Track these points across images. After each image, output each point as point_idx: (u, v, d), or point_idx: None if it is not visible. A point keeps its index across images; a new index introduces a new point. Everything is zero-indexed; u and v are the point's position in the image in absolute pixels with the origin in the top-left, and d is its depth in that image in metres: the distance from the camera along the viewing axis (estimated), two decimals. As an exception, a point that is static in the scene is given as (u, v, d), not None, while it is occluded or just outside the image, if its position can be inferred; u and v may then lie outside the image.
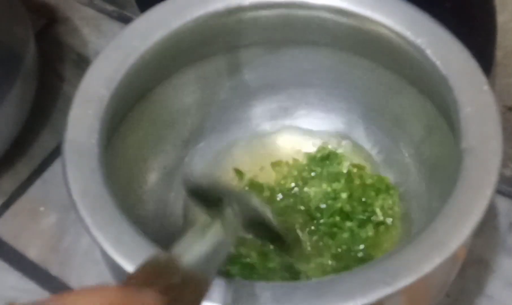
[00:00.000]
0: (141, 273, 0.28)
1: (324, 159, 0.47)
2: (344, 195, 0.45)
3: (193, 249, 0.30)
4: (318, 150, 0.48)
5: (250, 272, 0.42)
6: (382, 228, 0.44)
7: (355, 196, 0.45)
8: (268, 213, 0.37)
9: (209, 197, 0.36)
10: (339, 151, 0.48)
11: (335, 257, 0.43)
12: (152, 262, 0.28)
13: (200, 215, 0.43)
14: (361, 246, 0.43)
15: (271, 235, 0.38)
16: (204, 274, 0.30)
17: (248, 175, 0.47)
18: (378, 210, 0.45)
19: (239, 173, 0.48)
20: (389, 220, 0.45)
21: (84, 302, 0.24)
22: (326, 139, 0.48)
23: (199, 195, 0.38)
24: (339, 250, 0.43)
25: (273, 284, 0.33)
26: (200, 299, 0.29)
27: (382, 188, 0.46)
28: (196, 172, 0.47)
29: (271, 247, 0.42)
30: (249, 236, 0.41)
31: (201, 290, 0.29)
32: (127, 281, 0.27)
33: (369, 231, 0.44)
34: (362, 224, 0.44)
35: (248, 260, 0.43)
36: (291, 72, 0.48)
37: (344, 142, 0.48)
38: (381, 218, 0.45)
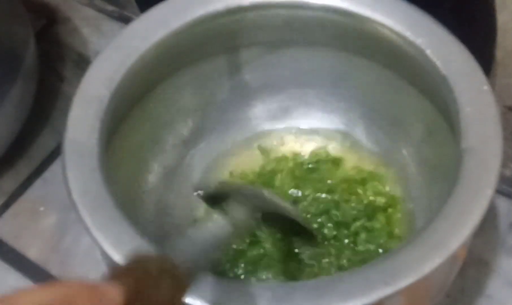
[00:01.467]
0: (117, 268, 0.27)
1: (313, 170, 0.47)
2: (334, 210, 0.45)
3: (179, 244, 0.31)
4: (312, 156, 0.48)
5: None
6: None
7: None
8: (286, 204, 0.37)
9: (222, 200, 0.36)
10: (337, 153, 0.48)
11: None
12: (132, 257, 0.28)
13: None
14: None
15: (291, 227, 0.39)
16: (189, 268, 0.29)
17: (250, 176, 0.48)
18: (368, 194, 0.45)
19: (264, 151, 0.48)
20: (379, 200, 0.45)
21: (34, 300, 0.23)
22: (326, 139, 0.48)
23: (215, 200, 0.39)
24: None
25: (273, 284, 0.33)
26: (179, 292, 0.28)
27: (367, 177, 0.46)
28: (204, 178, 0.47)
29: (293, 239, 0.42)
30: (269, 229, 0.42)
31: (181, 283, 0.28)
32: (110, 277, 0.27)
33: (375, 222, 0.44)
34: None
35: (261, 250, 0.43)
36: (291, 72, 0.48)
37: (344, 142, 0.48)
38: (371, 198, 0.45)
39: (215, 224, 0.33)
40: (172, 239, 0.31)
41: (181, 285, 0.29)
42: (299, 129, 0.49)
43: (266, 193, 0.37)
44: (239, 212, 0.35)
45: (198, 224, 0.32)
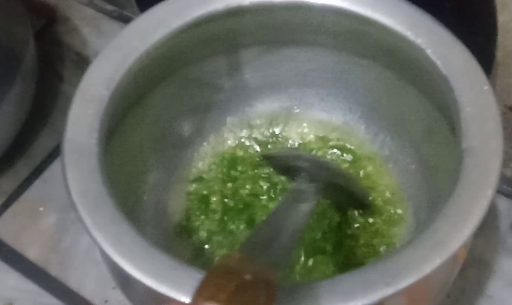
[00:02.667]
0: (212, 278, 0.27)
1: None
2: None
3: (261, 241, 0.30)
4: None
5: None
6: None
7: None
8: (347, 174, 0.37)
9: (289, 167, 0.36)
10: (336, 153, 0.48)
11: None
12: (221, 265, 0.28)
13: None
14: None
15: (349, 197, 0.40)
16: (273, 267, 0.29)
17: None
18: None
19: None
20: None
21: None
22: (325, 139, 0.48)
23: (276, 164, 0.41)
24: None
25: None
26: (273, 294, 0.28)
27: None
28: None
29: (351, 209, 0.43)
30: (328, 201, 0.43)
31: (272, 285, 0.28)
32: (196, 294, 0.26)
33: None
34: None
35: None
36: (291, 72, 0.48)
37: (343, 142, 0.48)
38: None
39: (289, 209, 0.33)
40: (254, 229, 0.31)
41: (272, 288, 0.28)
42: (299, 129, 0.49)
43: (331, 163, 0.38)
44: (305, 180, 0.35)
45: (272, 212, 0.32)
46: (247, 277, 0.26)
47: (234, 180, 0.48)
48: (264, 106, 0.49)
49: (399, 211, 0.45)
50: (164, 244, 0.44)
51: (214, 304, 0.24)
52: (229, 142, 0.49)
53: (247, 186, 0.47)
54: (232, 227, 0.45)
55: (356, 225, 0.44)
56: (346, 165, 0.47)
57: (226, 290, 0.25)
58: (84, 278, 0.48)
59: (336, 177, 0.37)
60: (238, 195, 0.47)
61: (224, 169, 0.48)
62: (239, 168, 0.48)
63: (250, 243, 0.30)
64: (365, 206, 0.43)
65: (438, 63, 0.39)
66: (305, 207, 0.34)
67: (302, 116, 0.49)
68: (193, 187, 0.47)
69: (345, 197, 0.41)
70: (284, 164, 0.37)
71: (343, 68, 0.47)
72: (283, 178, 0.46)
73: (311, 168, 0.36)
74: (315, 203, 0.36)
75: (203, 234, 0.45)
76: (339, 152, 0.48)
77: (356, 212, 0.44)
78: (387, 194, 0.46)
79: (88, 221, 0.35)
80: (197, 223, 0.46)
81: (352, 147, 0.48)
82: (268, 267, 0.28)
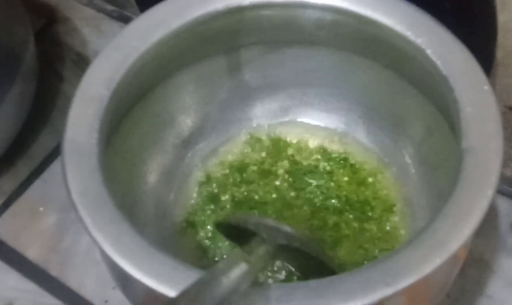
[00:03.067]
0: None
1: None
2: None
3: (206, 293, 0.30)
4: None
5: None
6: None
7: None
8: (303, 238, 0.37)
9: (239, 232, 0.36)
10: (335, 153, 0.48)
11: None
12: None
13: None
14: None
15: (306, 261, 0.38)
16: None
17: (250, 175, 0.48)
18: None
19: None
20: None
21: None
22: (325, 139, 0.48)
23: (229, 232, 0.39)
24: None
25: (273, 284, 0.33)
26: None
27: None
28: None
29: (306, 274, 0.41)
30: (281, 263, 0.42)
31: None
32: None
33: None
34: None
35: None
36: (291, 72, 0.48)
37: (343, 142, 0.48)
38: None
39: (235, 267, 0.32)
40: (191, 284, 0.31)
41: None
42: (299, 129, 0.49)
43: (288, 227, 0.36)
44: (257, 247, 0.34)
45: (216, 268, 0.32)
46: None
47: (234, 180, 0.47)
48: (264, 106, 0.49)
49: (396, 218, 0.45)
50: (164, 244, 0.44)
51: None
52: (229, 142, 0.49)
53: (248, 186, 0.47)
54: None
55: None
56: (345, 166, 0.47)
57: None
58: (84, 278, 0.48)
59: (294, 241, 0.37)
60: (239, 195, 0.47)
61: (224, 169, 0.48)
62: (239, 168, 0.48)
63: (191, 290, 0.31)
64: (329, 271, 0.39)
65: (438, 63, 0.39)
66: (254, 264, 0.33)
67: (302, 116, 0.49)
68: (193, 187, 0.47)
69: (307, 262, 0.39)
70: (237, 230, 0.37)
71: (343, 68, 0.47)
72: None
73: (267, 232, 0.35)
74: (265, 261, 0.35)
75: (204, 233, 0.45)
76: (338, 153, 0.48)
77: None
78: (385, 197, 0.46)
79: (88, 221, 0.35)
80: (198, 223, 0.46)
81: (352, 148, 0.48)
82: None
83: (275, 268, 0.43)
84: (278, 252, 0.35)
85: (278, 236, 0.35)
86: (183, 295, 0.31)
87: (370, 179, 0.47)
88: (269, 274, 0.43)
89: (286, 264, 0.42)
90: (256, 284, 0.33)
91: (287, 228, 0.36)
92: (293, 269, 0.42)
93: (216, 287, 0.31)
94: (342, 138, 0.48)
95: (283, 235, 0.36)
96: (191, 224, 0.46)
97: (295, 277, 0.43)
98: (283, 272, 0.43)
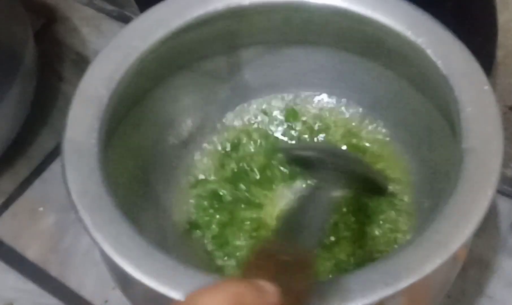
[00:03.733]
0: (255, 262, 0.29)
1: None
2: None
3: (291, 226, 0.33)
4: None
5: None
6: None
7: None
8: (363, 162, 0.41)
9: (308, 162, 0.37)
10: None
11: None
12: (262, 248, 0.30)
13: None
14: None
15: (367, 184, 0.42)
16: (309, 247, 0.31)
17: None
18: None
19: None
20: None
21: (215, 302, 0.25)
22: (325, 139, 0.48)
23: (300, 162, 0.42)
24: None
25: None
26: (311, 274, 0.30)
27: None
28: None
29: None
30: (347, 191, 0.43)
31: (308, 265, 0.30)
32: (244, 273, 0.28)
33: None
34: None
35: None
36: (291, 72, 0.48)
37: (343, 142, 0.48)
38: None
39: (315, 192, 0.34)
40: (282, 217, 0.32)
41: (308, 267, 0.30)
42: (298, 129, 0.49)
43: (347, 152, 0.40)
44: (324, 172, 0.36)
45: (298, 198, 0.33)
46: (285, 258, 0.29)
47: (234, 179, 0.47)
48: (264, 106, 0.49)
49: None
50: (164, 245, 0.44)
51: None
52: (229, 142, 0.49)
53: (248, 186, 0.47)
54: (235, 226, 0.45)
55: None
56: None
57: (269, 271, 0.27)
58: (84, 278, 0.48)
59: (354, 165, 0.39)
60: (240, 194, 0.47)
61: (225, 169, 0.48)
62: (239, 168, 0.48)
63: (283, 229, 0.33)
64: (382, 190, 0.44)
65: (439, 63, 0.39)
66: (329, 194, 0.36)
67: (302, 115, 0.49)
68: (193, 187, 0.47)
69: (364, 183, 0.43)
70: (300, 156, 0.39)
71: (343, 68, 0.46)
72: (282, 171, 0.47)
73: (329, 159, 0.37)
74: (337, 191, 0.38)
75: (205, 233, 0.45)
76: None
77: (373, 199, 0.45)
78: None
79: (88, 221, 0.35)
80: (198, 223, 0.46)
81: (352, 148, 0.48)
82: (302, 249, 0.31)
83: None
84: (344, 177, 0.38)
85: (339, 161, 0.37)
86: (280, 232, 0.33)
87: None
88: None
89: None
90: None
91: (347, 154, 0.40)
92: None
93: (304, 219, 0.33)
94: (341, 138, 0.48)
95: (343, 159, 0.39)
96: (191, 225, 0.46)
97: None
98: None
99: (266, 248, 0.30)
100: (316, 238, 0.33)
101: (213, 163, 0.48)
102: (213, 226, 0.45)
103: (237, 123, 0.49)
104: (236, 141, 0.48)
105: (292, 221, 0.34)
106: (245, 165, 0.48)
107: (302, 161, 0.40)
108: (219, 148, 0.49)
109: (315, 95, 0.49)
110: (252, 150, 0.48)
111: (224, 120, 0.49)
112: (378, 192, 0.44)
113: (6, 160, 0.53)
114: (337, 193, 0.38)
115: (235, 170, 0.48)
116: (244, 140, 0.48)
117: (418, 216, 0.44)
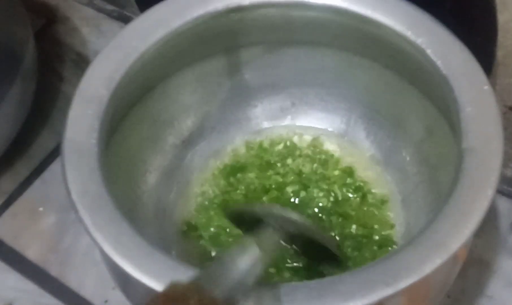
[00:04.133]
0: (161, 298, 0.28)
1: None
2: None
3: (219, 277, 0.30)
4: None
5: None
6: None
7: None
8: (311, 226, 0.37)
9: (247, 220, 0.36)
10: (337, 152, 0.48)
11: None
12: (173, 286, 0.29)
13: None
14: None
15: (314, 248, 0.39)
16: (230, 301, 0.30)
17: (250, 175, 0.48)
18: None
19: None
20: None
21: None
22: (326, 138, 0.48)
23: (239, 220, 0.40)
24: None
25: (273, 284, 0.33)
26: None
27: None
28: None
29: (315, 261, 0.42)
30: (291, 250, 0.42)
31: None
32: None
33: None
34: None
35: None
36: (291, 72, 0.48)
37: (344, 141, 0.48)
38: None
39: (248, 252, 0.32)
40: (206, 266, 0.31)
41: None
42: (299, 129, 0.49)
43: (295, 215, 0.37)
44: (268, 234, 0.35)
45: (229, 252, 0.32)
46: (192, 303, 0.28)
47: (234, 179, 0.47)
48: (264, 106, 0.49)
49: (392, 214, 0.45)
50: (164, 245, 0.44)
51: None
52: (229, 141, 0.49)
53: (248, 186, 0.47)
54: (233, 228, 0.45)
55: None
56: (345, 167, 0.47)
57: None
58: (84, 278, 0.48)
59: (302, 230, 0.37)
60: (240, 193, 0.47)
61: (224, 169, 0.48)
62: (239, 168, 0.48)
63: (204, 274, 0.31)
64: (333, 256, 0.41)
65: (438, 63, 0.39)
66: (266, 251, 0.33)
67: (302, 115, 0.49)
68: (193, 187, 0.47)
69: (312, 247, 0.40)
70: (245, 217, 0.38)
71: (343, 68, 0.46)
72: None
73: (275, 221, 0.36)
74: (276, 248, 0.36)
75: (205, 234, 0.45)
76: (338, 153, 0.48)
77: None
78: (383, 197, 0.46)
79: (88, 221, 0.35)
80: (198, 224, 0.46)
81: (351, 148, 0.48)
82: (219, 301, 0.29)
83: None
84: (287, 239, 0.36)
85: (286, 224, 0.36)
86: (199, 277, 0.30)
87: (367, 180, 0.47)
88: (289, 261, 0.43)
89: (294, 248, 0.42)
90: (256, 283, 0.33)
91: (295, 216, 0.36)
92: (300, 254, 0.42)
93: (231, 269, 0.31)
94: (341, 138, 0.48)
95: (291, 223, 0.36)
96: (191, 225, 0.46)
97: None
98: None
99: (174, 290, 0.29)
100: (239, 293, 0.31)
101: (213, 163, 0.48)
102: (211, 228, 0.45)
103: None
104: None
105: (217, 270, 0.31)
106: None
107: (246, 222, 0.39)
108: (219, 148, 0.49)
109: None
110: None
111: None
112: (330, 257, 0.41)
113: (6, 160, 0.53)
114: (276, 251, 0.36)
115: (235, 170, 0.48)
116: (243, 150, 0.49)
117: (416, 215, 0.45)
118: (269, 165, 0.48)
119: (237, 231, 0.45)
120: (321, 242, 0.39)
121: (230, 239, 0.45)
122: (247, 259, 0.32)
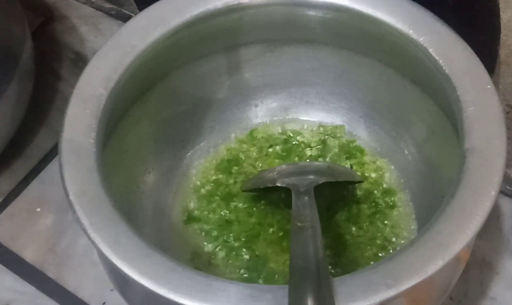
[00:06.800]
0: None
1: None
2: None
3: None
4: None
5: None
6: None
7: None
8: (331, 166, 0.42)
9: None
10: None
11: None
12: None
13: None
14: None
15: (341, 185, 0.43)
16: None
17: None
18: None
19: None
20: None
21: None
22: (325, 139, 0.48)
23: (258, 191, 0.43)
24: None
25: (274, 286, 0.33)
26: None
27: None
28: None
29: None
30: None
31: None
32: None
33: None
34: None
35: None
36: (292, 71, 0.48)
37: (343, 142, 0.48)
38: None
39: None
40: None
41: None
42: (299, 128, 0.49)
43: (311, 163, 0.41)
44: (302, 203, 0.37)
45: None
46: None
47: (234, 179, 0.47)
48: (264, 105, 0.49)
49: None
50: (163, 245, 0.43)
51: None
52: (228, 141, 0.49)
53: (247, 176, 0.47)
54: (234, 225, 0.45)
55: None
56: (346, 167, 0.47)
57: None
58: (81, 280, 0.48)
59: (323, 174, 0.39)
60: (239, 193, 0.46)
61: (224, 169, 0.48)
62: (240, 168, 0.48)
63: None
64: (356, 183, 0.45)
65: (441, 61, 0.39)
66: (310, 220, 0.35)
67: (303, 115, 0.49)
68: (192, 187, 0.47)
69: (337, 186, 0.43)
70: (267, 187, 0.39)
71: (344, 67, 0.46)
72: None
73: (296, 177, 0.38)
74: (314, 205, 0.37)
75: (204, 234, 0.45)
76: (338, 153, 0.48)
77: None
78: (387, 196, 0.46)
79: (85, 222, 0.34)
80: (197, 224, 0.45)
81: (352, 148, 0.48)
82: None
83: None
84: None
85: (304, 179, 0.38)
86: None
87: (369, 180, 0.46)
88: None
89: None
90: (257, 285, 0.32)
91: (313, 165, 0.41)
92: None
93: None
94: (342, 138, 0.48)
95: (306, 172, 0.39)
96: (190, 225, 0.45)
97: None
98: None
99: None
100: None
101: (212, 163, 0.48)
102: (211, 227, 0.45)
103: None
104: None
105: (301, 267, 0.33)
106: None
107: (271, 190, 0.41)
108: (219, 148, 0.48)
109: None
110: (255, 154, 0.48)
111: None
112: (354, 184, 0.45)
113: (3, 160, 0.53)
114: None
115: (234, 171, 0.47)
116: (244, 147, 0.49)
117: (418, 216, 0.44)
118: (268, 157, 0.48)
119: (237, 228, 0.45)
120: (339, 179, 0.42)
121: (230, 239, 0.44)
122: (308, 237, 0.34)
